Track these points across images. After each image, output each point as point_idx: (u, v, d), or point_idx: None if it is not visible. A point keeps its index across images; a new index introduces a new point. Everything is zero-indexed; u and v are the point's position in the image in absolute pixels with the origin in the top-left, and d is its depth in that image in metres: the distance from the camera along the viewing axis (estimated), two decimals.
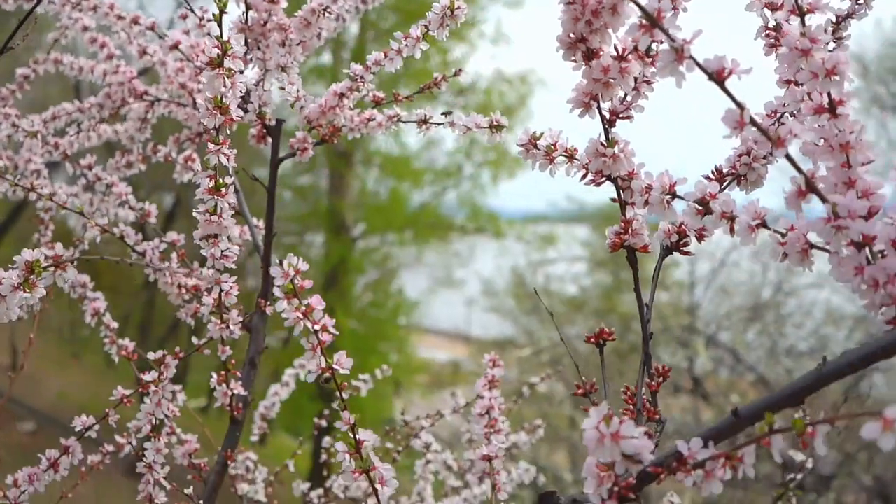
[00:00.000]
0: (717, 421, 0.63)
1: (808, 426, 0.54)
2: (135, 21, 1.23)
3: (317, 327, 0.74)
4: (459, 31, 10.63)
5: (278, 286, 0.73)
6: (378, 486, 0.77)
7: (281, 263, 0.73)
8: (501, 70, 10.39)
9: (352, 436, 0.77)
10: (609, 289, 9.56)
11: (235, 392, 1.12)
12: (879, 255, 0.63)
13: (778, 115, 0.82)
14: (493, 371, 1.13)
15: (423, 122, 1.11)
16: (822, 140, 0.65)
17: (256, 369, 1.17)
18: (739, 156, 0.81)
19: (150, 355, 1.02)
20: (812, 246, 0.65)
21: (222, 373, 1.10)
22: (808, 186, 0.61)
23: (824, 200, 0.61)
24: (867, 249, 0.61)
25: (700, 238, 0.80)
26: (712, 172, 0.83)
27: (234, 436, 1.16)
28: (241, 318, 1.06)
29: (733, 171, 0.82)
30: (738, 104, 0.60)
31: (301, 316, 0.74)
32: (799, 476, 1.24)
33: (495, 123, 1.03)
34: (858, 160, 0.63)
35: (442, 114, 1.09)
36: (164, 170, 1.45)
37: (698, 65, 0.60)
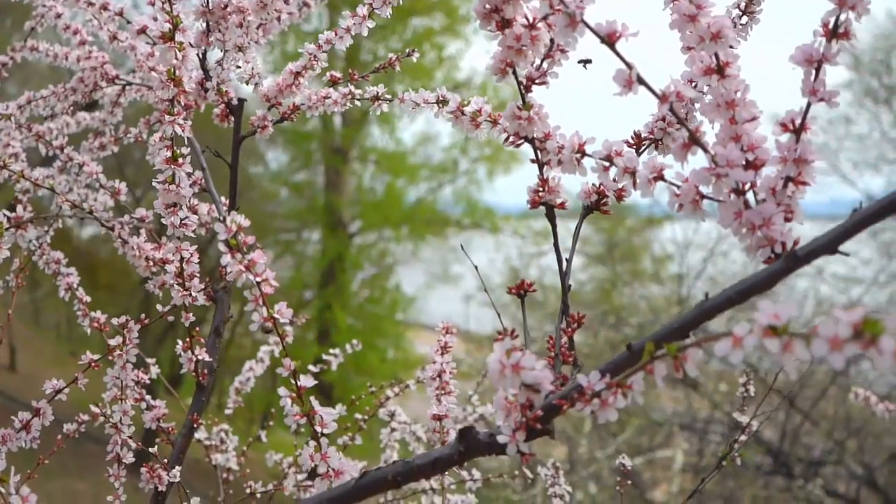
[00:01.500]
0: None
1: (680, 350, 0.60)
2: (104, 7, 1.29)
3: (259, 279, 0.80)
4: (455, 27, 10.71)
5: (222, 241, 0.79)
6: (318, 429, 0.82)
7: (224, 221, 0.78)
8: None
9: (293, 382, 0.83)
10: (604, 282, 9.62)
11: (201, 358, 1.17)
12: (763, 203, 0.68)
13: (692, 82, 0.87)
14: (445, 338, 1.19)
15: (376, 98, 1.17)
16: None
17: (221, 337, 1.22)
18: (657, 121, 0.87)
19: (114, 321, 1.08)
20: (703, 196, 0.70)
21: (187, 340, 1.16)
22: (692, 139, 0.67)
23: (706, 151, 0.66)
24: (749, 196, 0.67)
25: (619, 198, 0.86)
26: (631, 137, 0.88)
27: (199, 401, 1.22)
28: (202, 287, 1.11)
29: (651, 135, 0.87)
30: (628, 64, 0.66)
31: (244, 269, 0.79)
32: (743, 437, 1.29)
33: (441, 99, 1.08)
34: (743, 116, 0.69)
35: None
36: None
37: (590, 28, 0.65)
